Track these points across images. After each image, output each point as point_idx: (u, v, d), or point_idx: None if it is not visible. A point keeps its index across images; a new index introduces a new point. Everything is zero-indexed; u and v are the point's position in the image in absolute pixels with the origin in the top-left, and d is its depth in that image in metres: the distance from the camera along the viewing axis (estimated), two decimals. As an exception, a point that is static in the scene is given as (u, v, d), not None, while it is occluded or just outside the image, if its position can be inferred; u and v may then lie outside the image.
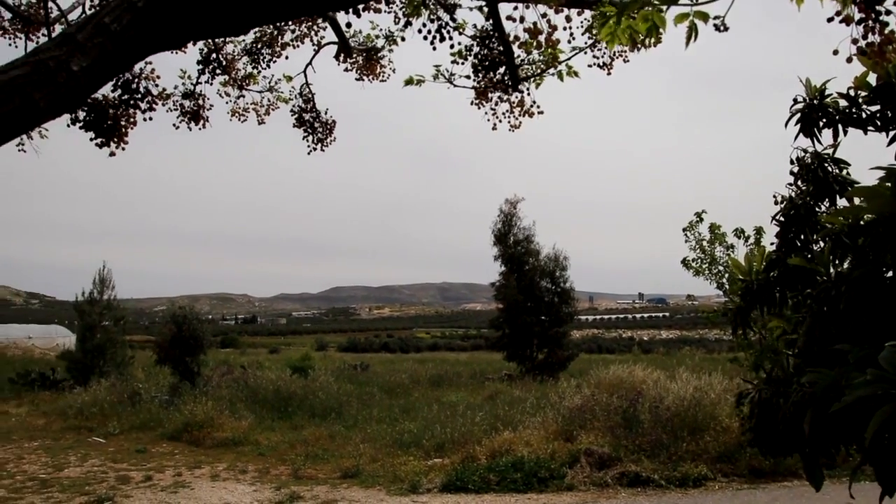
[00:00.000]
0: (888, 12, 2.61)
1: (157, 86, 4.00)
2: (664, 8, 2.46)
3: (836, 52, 2.68)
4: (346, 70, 5.74)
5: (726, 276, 11.44)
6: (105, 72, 2.61)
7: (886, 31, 2.62)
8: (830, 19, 2.64)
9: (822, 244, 3.91)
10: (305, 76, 5.96)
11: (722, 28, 2.92)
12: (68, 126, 3.62)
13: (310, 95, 5.90)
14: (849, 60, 2.63)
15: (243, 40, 5.61)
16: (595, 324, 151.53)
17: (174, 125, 5.21)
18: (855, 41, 2.64)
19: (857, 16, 2.64)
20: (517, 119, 4.83)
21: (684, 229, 12.86)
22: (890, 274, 3.31)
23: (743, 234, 11.98)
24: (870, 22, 2.62)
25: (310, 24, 5.51)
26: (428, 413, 16.56)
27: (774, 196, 4.28)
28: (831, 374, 3.01)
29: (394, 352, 60.87)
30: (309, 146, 5.84)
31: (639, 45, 3.01)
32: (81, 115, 3.64)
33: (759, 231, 11.12)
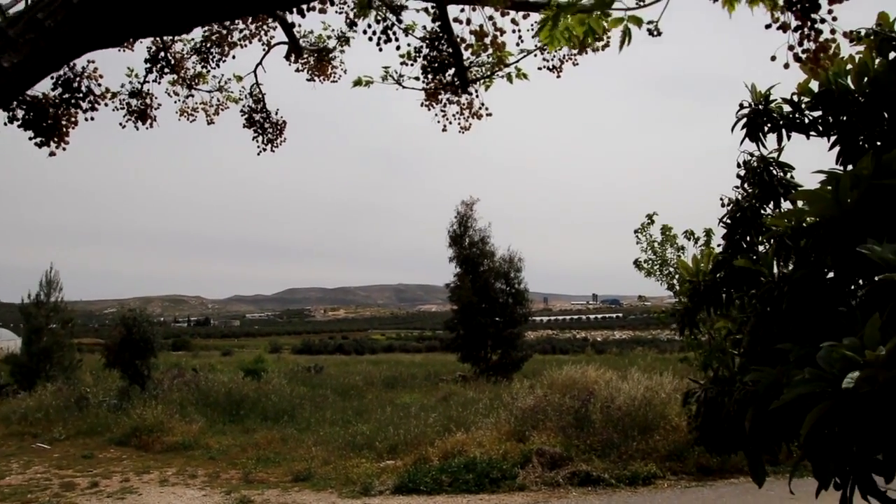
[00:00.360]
0: (822, 20, 2.67)
1: (99, 85, 3.91)
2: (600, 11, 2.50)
3: (773, 59, 2.74)
4: (298, 70, 5.70)
5: (676, 277, 11.63)
6: (38, 69, 2.54)
7: (821, 39, 2.69)
8: (768, 26, 2.70)
9: (766, 246, 4.00)
10: (255, 76, 5.90)
11: (655, 33, 2.97)
12: (5, 124, 3.52)
13: (260, 96, 5.84)
14: (786, 66, 2.69)
15: (192, 39, 5.53)
16: (549, 325, 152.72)
17: (121, 124, 5.10)
18: (791, 48, 2.70)
19: (794, 23, 2.70)
20: (467, 121, 4.85)
21: (636, 231, 13.05)
22: (830, 275, 3.39)
23: (693, 236, 12.20)
24: (805, 30, 2.68)
25: (259, 23, 5.45)
26: (381, 415, 16.52)
27: (721, 198, 4.37)
28: (773, 373, 3.06)
29: (349, 354, 60.49)
30: (259, 147, 5.77)
31: (586, 48, 3.05)
32: (20, 113, 3.55)
33: (708, 233, 11.33)
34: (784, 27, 2.68)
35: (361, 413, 18.00)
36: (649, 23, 2.89)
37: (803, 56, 2.69)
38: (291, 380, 23.72)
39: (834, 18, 2.66)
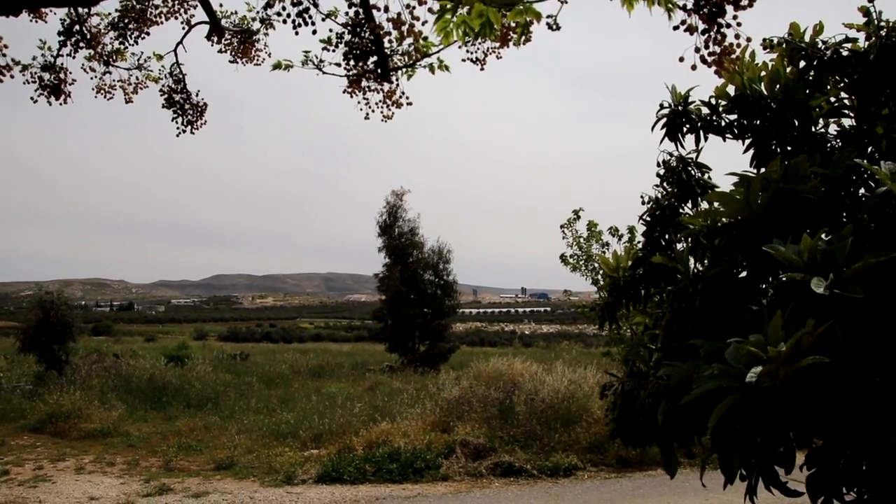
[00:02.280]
0: (728, 25, 2.73)
1: (4, 55, 3.71)
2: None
3: (681, 60, 2.79)
4: (220, 52, 5.55)
5: (601, 272, 11.82)
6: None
7: (726, 43, 2.74)
8: (676, 28, 2.74)
9: (684, 244, 4.07)
10: (176, 55, 5.71)
11: (554, 27, 2.99)
12: None
13: (181, 76, 5.65)
14: (693, 68, 2.74)
15: (109, 13, 5.32)
16: (478, 317, 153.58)
17: (32, 98, 4.87)
18: (697, 50, 2.75)
19: (701, 26, 2.75)
20: (389, 110, 4.82)
21: (562, 226, 13.21)
22: (743, 274, 3.48)
23: (617, 233, 12.42)
24: (711, 33, 2.74)
25: (178, 0, 5.28)
26: (307, 404, 16.35)
27: (642, 196, 4.43)
28: (685, 368, 3.13)
29: (276, 342, 59.65)
30: (178, 128, 5.60)
31: (509, 42, 3.05)
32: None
33: (632, 230, 11.55)
34: (690, 29, 2.73)
35: (287, 402, 17.78)
36: (549, 17, 2.91)
37: (709, 59, 2.74)
38: (216, 367, 23.27)
39: (739, 24, 2.72)
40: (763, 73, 3.81)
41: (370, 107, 4.87)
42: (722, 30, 2.70)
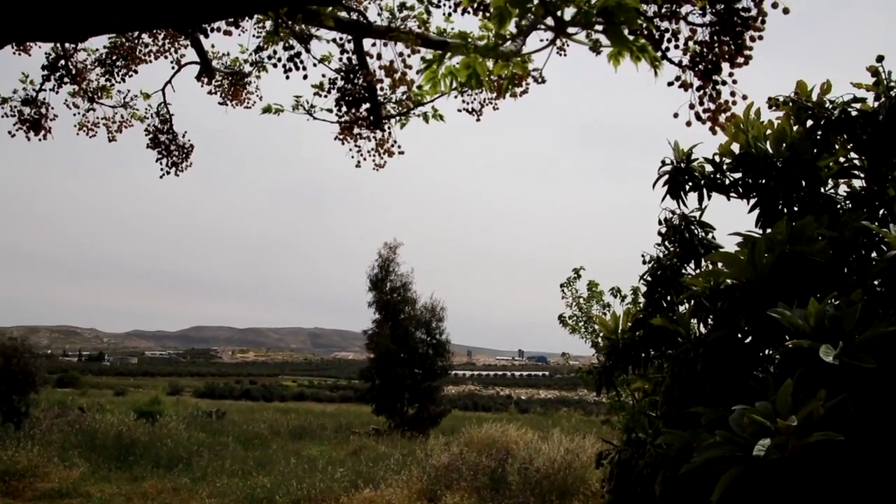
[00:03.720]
0: (724, 82, 2.80)
1: (-21, 88, 3.79)
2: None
3: (676, 116, 2.85)
4: (210, 93, 5.64)
5: (600, 334, 11.80)
6: None
7: (721, 100, 2.81)
8: (671, 83, 2.81)
9: (686, 306, 4.10)
10: (164, 95, 5.79)
11: (540, 80, 3.09)
12: None
13: (167, 116, 5.73)
14: (688, 124, 2.81)
15: (97, 49, 5.42)
16: (472, 380, 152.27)
17: (10, 133, 4.94)
18: (692, 106, 2.82)
19: (696, 83, 2.82)
20: (381, 158, 4.88)
21: (562, 285, 13.18)
22: (747, 339, 3.49)
23: (619, 293, 12.38)
24: (707, 90, 2.81)
25: (169, 39, 5.38)
26: (285, 467, 16.10)
27: (643, 256, 4.48)
28: (685, 436, 3.12)
29: (256, 400, 59.01)
30: (162, 169, 5.65)
31: (504, 93, 3.12)
32: None
33: (636, 291, 11.54)
34: (685, 86, 2.80)
35: (264, 464, 17.50)
36: (535, 70, 3.00)
37: (704, 115, 2.80)
38: (190, 425, 22.95)
39: (734, 81, 2.80)
40: (769, 132, 3.89)
41: (362, 154, 4.94)
42: (717, 87, 2.77)
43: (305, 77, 4.06)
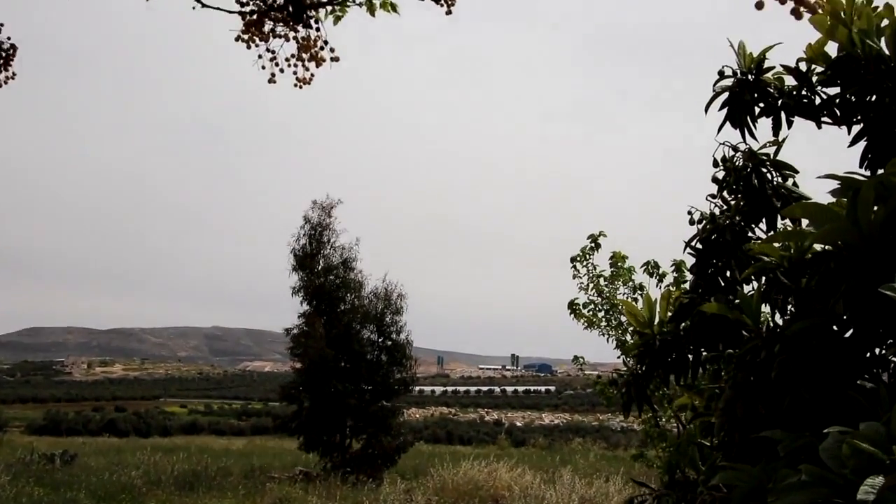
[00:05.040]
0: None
1: None
2: None
3: (759, 5, 2.78)
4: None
5: (630, 329, 11.78)
6: None
7: None
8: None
9: (753, 284, 4.06)
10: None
11: None
12: None
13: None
14: (758, 6, 2.74)
15: None
16: (445, 399, 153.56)
17: None
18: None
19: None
20: (306, 69, 4.81)
21: (574, 259, 13.18)
22: (846, 330, 3.46)
23: (656, 271, 12.39)
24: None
25: None
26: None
27: (690, 212, 4.42)
28: (754, 473, 3.09)
29: (125, 435, 58.92)
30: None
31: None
32: None
33: (680, 266, 11.55)
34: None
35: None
36: None
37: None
38: (18, 476, 22.82)
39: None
40: (885, 23, 3.82)
41: (277, 63, 4.86)
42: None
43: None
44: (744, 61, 4.18)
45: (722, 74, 4.21)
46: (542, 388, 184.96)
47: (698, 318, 4.14)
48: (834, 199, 3.35)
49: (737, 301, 3.90)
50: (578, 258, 13.21)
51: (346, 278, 29.59)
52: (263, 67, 4.79)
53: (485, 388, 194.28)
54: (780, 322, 3.81)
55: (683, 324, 4.29)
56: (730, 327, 3.96)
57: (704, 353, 4.25)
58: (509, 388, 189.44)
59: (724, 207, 4.32)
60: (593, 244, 13.17)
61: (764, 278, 3.81)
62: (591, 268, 13.18)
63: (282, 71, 4.88)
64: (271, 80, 4.89)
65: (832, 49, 3.99)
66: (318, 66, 4.83)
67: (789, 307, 3.76)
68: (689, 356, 4.29)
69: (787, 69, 4.14)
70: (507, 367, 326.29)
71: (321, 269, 29.44)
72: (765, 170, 4.22)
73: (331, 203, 29.99)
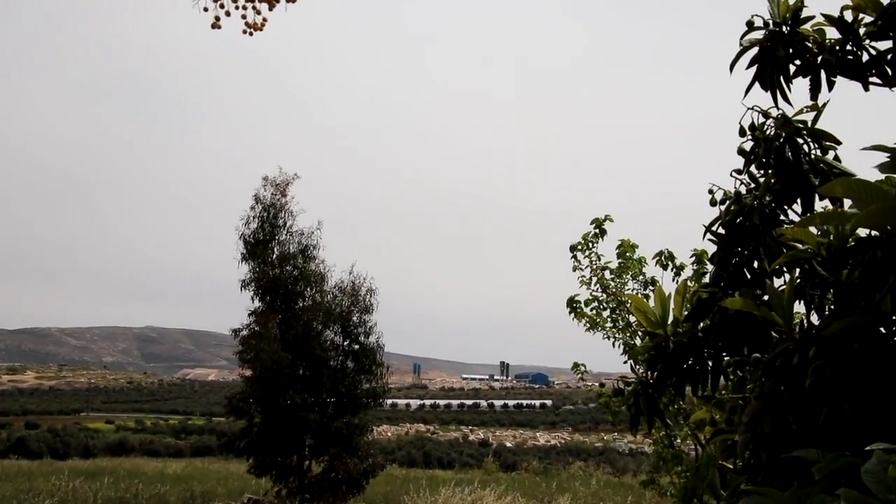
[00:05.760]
0: None
1: None
2: None
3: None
4: None
5: (639, 329, 11.77)
6: None
7: None
8: None
9: (784, 277, 4.07)
10: None
11: None
12: None
13: None
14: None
15: None
16: (422, 414, 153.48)
17: None
18: None
19: None
20: (256, 12, 4.79)
21: (573, 248, 13.17)
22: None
23: (671, 262, 12.38)
24: None
25: None
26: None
27: (711, 191, 4.42)
28: (785, 499, 3.11)
29: (38, 456, 58.65)
30: None
31: None
32: None
33: (700, 258, 11.57)
34: None
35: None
36: None
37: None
38: None
39: None
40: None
41: (222, 4, 4.85)
42: None
43: None
44: (777, 10, 4.17)
45: (751, 26, 4.20)
46: (537, 403, 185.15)
47: (720, 317, 4.15)
48: (882, 176, 3.36)
49: (765, 296, 3.91)
50: (580, 247, 13.18)
51: (305, 269, 29.49)
52: (206, 9, 4.75)
53: (469, 402, 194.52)
54: (816, 321, 3.82)
55: (702, 323, 4.30)
56: (757, 327, 3.98)
57: (727, 358, 4.26)
58: (498, 402, 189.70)
59: (752, 185, 4.32)
60: (597, 230, 13.13)
61: (798, 269, 3.83)
62: (594, 258, 13.17)
63: (227, 13, 4.82)
64: (215, 25, 4.83)
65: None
66: (271, 7, 4.79)
67: (827, 303, 3.77)
68: (709, 361, 4.30)
69: (829, 19, 4.12)
70: (496, 377, 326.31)
71: (276, 259, 29.33)
72: (801, 140, 4.21)
73: (286, 179, 29.80)
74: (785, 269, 3.94)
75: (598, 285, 13.06)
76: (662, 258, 12.41)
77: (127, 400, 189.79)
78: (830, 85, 4.12)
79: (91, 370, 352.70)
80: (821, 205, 4.11)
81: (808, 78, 4.15)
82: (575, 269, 13.23)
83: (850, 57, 4.10)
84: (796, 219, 4.18)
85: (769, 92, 4.18)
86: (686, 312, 4.41)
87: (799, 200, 4.19)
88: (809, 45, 4.12)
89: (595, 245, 13.16)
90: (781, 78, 4.15)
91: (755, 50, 4.17)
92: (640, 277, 12.86)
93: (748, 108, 4.29)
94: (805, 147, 4.21)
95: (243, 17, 4.87)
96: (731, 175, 4.37)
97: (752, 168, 4.32)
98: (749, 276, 4.21)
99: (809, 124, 4.22)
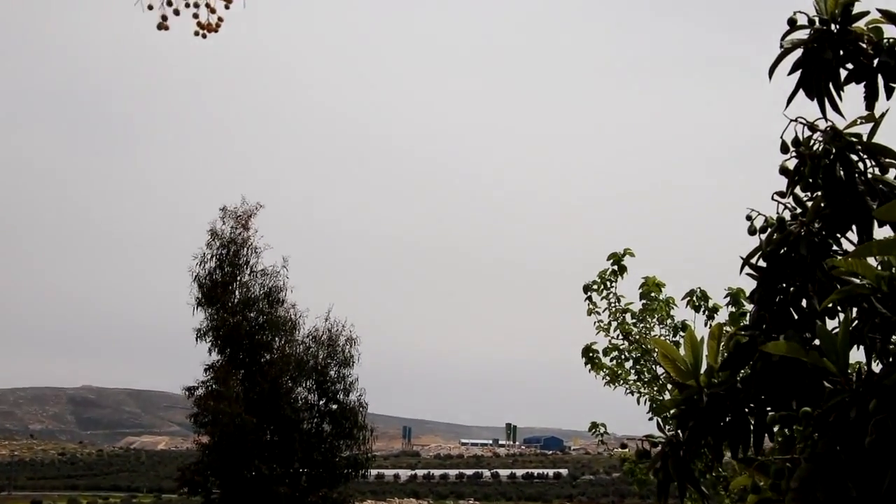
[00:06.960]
0: None
1: None
2: None
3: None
4: None
5: (668, 381, 11.72)
6: None
7: None
8: None
9: (839, 317, 4.09)
10: None
11: None
12: None
13: None
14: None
15: None
16: (414, 486, 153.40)
17: None
18: None
19: None
20: (211, 10, 4.81)
21: (588, 288, 13.12)
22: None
23: (704, 303, 12.35)
24: None
25: None
26: None
27: (749, 218, 4.43)
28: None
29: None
30: None
31: None
32: None
33: (737, 298, 11.58)
34: None
35: None
36: None
37: None
38: None
39: None
40: None
41: (170, 2, 4.85)
42: None
43: None
44: (825, 5, 4.19)
45: (793, 24, 4.22)
46: (550, 472, 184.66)
47: (762, 364, 4.15)
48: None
49: (816, 340, 3.93)
50: (595, 286, 13.12)
51: (271, 315, 29.42)
52: (150, 7, 4.76)
53: (469, 472, 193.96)
54: (876, 368, 3.83)
55: (741, 372, 4.30)
56: (806, 376, 3.98)
57: (771, 413, 4.26)
58: (503, 472, 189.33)
59: (798, 210, 4.33)
60: (615, 267, 13.08)
61: (854, 308, 3.84)
62: (612, 300, 13.12)
63: (176, 12, 4.84)
64: (162, 27, 4.84)
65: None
66: (227, 5, 4.80)
67: (890, 348, 3.79)
68: (750, 417, 4.30)
69: (887, 15, 4.12)
70: (501, 442, 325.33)
71: (237, 303, 29.22)
72: (854, 156, 4.22)
73: (247, 210, 29.75)
74: (838, 307, 3.95)
75: (618, 331, 12.98)
76: (694, 298, 12.32)
77: (58, 475, 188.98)
78: (889, 92, 4.13)
79: (15, 440, 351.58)
80: (880, 231, 4.10)
81: (862, 84, 4.16)
82: (590, 312, 13.17)
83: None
84: (851, 248, 4.18)
85: (816, 101, 4.20)
86: (722, 360, 4.39)
87: (853, 227, 4.19)
88: (863, 45, 4.14)
89: (613, 284, 13.10)
90: (830, 84, 4.17)
91: (799, 52, 4.18)
92: (668, 322, 12.81)
93: (791, 120, 4.29)
94: (860, 164, 4.21)
95: (195, 16, 4.88)
96: (772, 198, 4.38)
97: (798, 190, 4.32)
98: (796, 317, 4.21)
99: (865, 138, 4.22)
